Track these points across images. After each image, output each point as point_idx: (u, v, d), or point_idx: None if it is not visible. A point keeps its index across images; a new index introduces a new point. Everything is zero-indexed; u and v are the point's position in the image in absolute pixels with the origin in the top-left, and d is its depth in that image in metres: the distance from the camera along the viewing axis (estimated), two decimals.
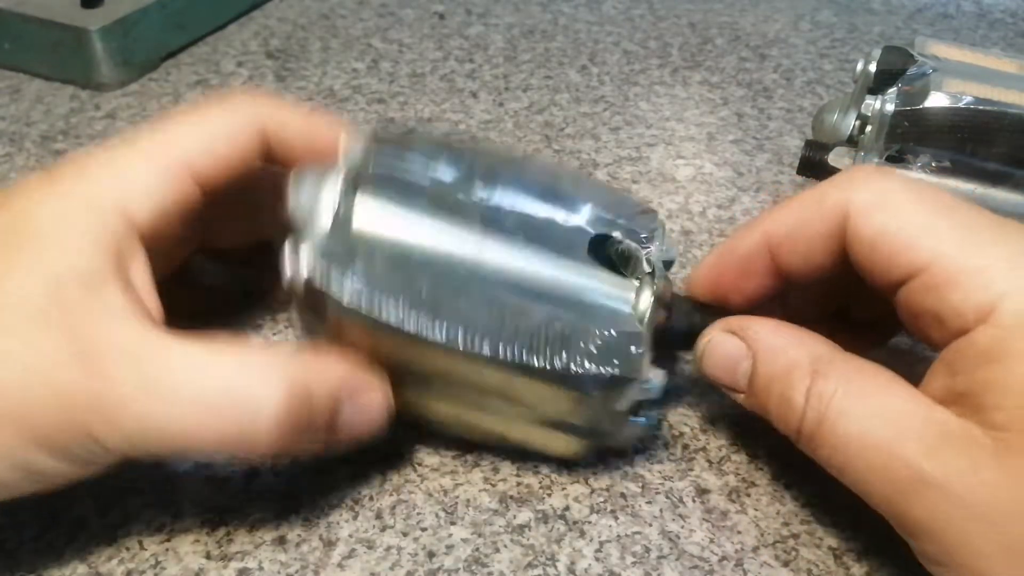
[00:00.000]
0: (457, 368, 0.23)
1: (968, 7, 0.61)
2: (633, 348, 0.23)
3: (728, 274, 0.26)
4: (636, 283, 0.24)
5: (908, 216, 0.23)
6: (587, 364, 0.23)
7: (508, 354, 0.23)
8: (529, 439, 0.26)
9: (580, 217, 0.25)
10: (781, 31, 0.57)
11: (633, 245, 0.25)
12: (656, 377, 0.24)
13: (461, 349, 0.23)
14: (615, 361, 0.23)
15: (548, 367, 0.23)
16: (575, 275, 0.24)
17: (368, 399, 0.24)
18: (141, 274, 0.23)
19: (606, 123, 0.46)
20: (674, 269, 0.27)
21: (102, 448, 0.21)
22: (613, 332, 0.23)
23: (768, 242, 0.25)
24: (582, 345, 0.23)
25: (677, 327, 0.26)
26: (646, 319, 0.24)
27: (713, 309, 0.26)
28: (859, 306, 0.27)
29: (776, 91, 0.50)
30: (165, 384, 0.21)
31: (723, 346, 0.25)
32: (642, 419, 0.25)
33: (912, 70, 0.34)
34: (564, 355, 0.23)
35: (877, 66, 0.35)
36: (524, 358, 0.23)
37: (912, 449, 0.21)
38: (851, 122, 0.37)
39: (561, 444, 0.26)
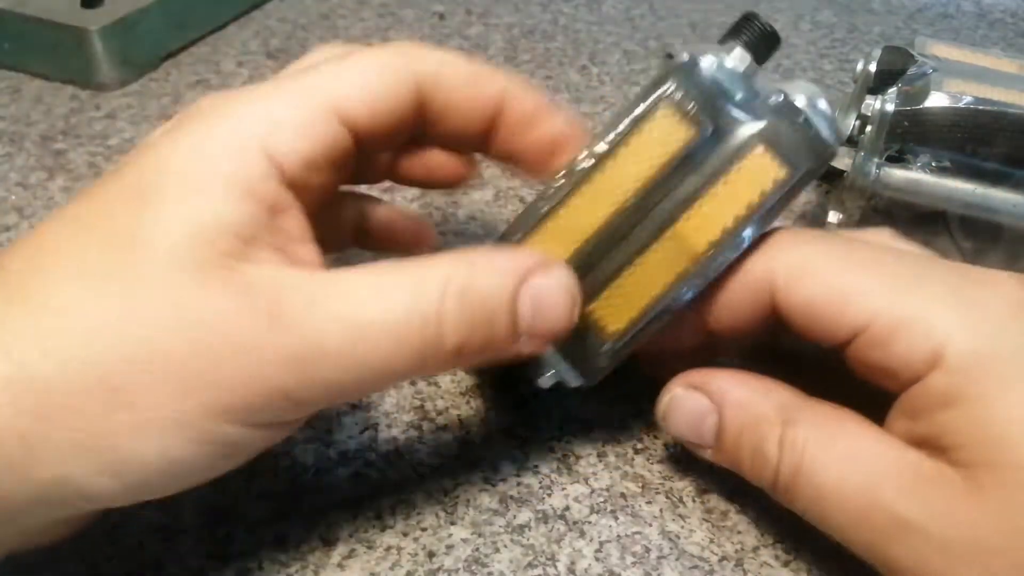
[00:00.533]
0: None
1: (968, 7, 0.61)
2: None
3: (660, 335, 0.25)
4: None
5: (835, 280, 0.23)
6: None
7: None
8: (727, 207, 0.24)
9: None
10: (781, 31, 0.56)
11: None
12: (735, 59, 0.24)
13: None
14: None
15: None
16: None
17: (545, 281, 0.22)
18: (296, 223, 0.21)
19: None
20: None
21: (295, 404, 0.20)
22: None
23: (696, 311, 0.25)
24: None
25: None
26: None
27: None
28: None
29: None
30: (353, 318, 0.19)
31: (686, 403, 0.25)
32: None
33: (912, 70, 0.34)
34: None
35: (877, 66, 0.35)
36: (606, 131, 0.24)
37: (889, 493, 0.21)
38: (851, 122, 0.37)
39: (752, 172, 0.24)
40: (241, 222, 0.19)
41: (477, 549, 0.25)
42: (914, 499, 0.20)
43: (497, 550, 0.25)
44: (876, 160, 0.34)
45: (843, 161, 0.36)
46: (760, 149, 0.24)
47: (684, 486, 0.27)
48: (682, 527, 0.26)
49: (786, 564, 0.25)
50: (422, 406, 0.29)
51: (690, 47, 0.24)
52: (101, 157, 0.42)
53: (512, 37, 0.55)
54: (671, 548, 0.25)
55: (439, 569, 0.24)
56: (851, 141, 0.36)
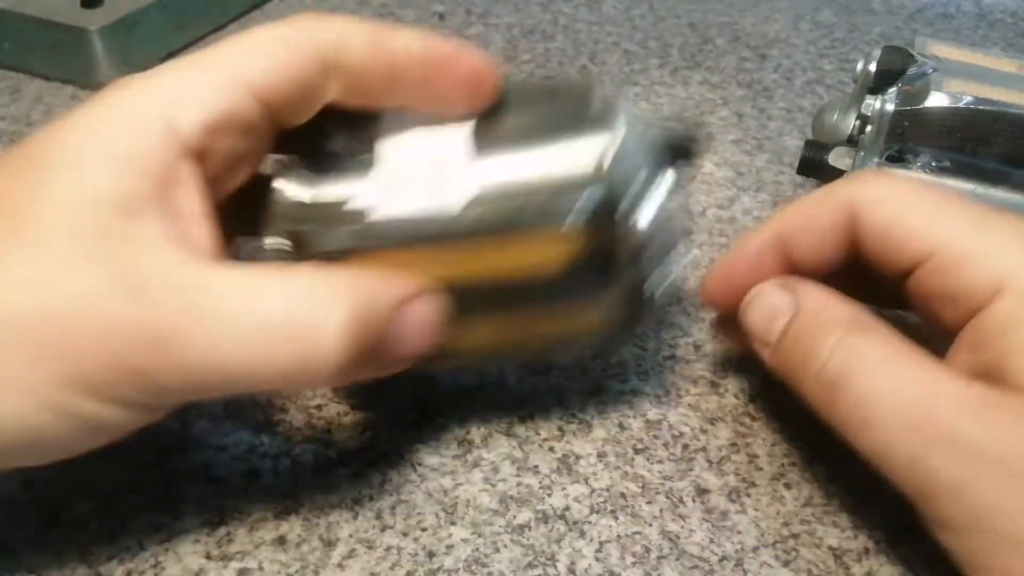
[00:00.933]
0: (454, 256, 0.23)
1: (968, 7, 0.61)
2: (599, 145, 0.22)
3: (740, 271, 0.27)
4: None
5: (915, 207, 0.24)
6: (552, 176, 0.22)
7: (490, 215, 0.22)
8: (550, 327, 0.24)
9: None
10: (781, 31, 0.57)
11: (610, 99, 0.24)
12: (644, 216, 0.23)
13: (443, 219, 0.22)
14: (577, 170, 0.22)
15: (524, 204, 0.22)
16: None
17: (423, 308, 0.23)
18: (189, 197, 0.21)
19: None
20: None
21: (156, 387, 0.20)
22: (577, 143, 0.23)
23: (779, 237, 0.26)
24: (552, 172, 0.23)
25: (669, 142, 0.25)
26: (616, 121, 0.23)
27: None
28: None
29: (776, 91, 0.50)
30: (221, 312, 0.20)
31: (771, 296, 0.26)
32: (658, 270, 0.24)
33: (912, 70, 0.34)
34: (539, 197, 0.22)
35: (877, 66, 0.35)
36: (505, 208, 0.22)
37: (946, 410, 0.21)
38: (851, 122, 0.37)
39: (581, 318, 0.24)
40: (127, 196, 0.20)
41: (477, 549, 0.25)
42: (973, 417, 0.21)
43: (497, 550, 0.25)
44: (876, 160, 0.34)
45: (843, 161, 0.36)
46: (594, 309, 0.24)
47: (684, 486, 0.27)
48: (682, 527, 0.26)
49: (786, 564, 0.25)
50: (422, 406, 0.29)
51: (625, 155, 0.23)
52: None
53: (512, 37, 0.55)
54: (671, 548, 0.25)
55: (439, 569, 0.24)
56: (851, 141, 0.36)
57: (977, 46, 0.40)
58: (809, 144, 0.37)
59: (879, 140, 0.34)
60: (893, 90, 0.34)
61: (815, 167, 0.37)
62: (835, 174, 0.36)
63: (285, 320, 0.20)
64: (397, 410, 0.29)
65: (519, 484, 0.27)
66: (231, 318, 0.20)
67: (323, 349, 0.20)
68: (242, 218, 0.24)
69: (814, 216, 0.26)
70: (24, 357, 0.19)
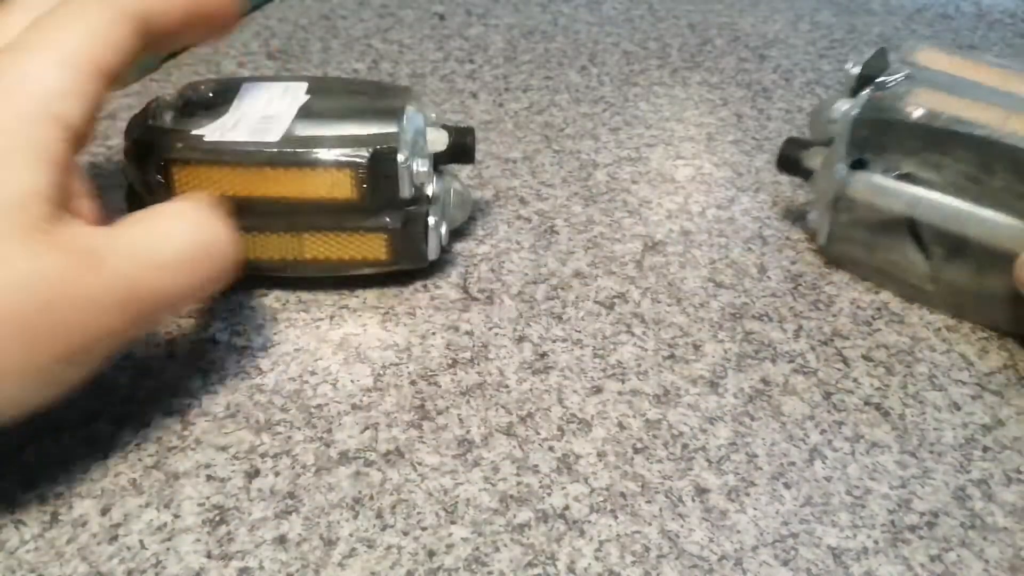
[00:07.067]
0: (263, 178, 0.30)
1: (967, 8, 0.61)
2: (390, 126, 0.31)
3: None
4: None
5: None
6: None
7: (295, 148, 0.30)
8: (340, 250, 0.32)
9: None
10: (781, 31, 0.57)
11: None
12: (420, 164, 0.31)
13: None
14: (374, 131, 0.31)
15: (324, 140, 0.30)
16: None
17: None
18: (78, 181, 0.24)
19: (606, 123, 0.46)
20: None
21: (121, 342, 0.23)
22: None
23: None
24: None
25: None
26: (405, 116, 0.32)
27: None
28: None
29: (775, 91, 0.50)
30: (162, 259, 0.24)
31: None
32: (432, 220, 0.32)
33: (882, 78, 0.34)
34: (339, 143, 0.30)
35: (862, 70, 0.35)
36: (311, 146, 0.30)
37: None
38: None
39: (366, 244, 0.32)
40: (50, 187, 0.22)
41: (477, 549, 0.25)
42: None
43: (497, 550, 0.25)
44: (839, 165, 0.33)
45: (815, 160, 0.36)
46: (383, 243, 0.32)
47: (684, 486, 0.27)
48: (681, 526, 0.26)
49: (786, 564, 0.25)
50: (422, 406, 0.29)
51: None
52: (102, 157, 0.42)
53: (512, 37, 0.55)
54: (670, 547, 0.25)
55: (439, 569, 0.24)
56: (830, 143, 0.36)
57: (976, 47, 0.40)
58: (789, 142, 0.37)
59: (843, 145, 0.33)
60: (864, 95, 0.34)
61: (791, 164, 0.37)
62: (810, 173, 0.36)
63: (207, 246, 0.25)
64: (397, 410, 0.29)
65: (519, 484, 0.27)
66: (170, 259, 0.24)
67: (226, 253, 0.25)
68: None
69: None
70: (19, 347, 0.21)
